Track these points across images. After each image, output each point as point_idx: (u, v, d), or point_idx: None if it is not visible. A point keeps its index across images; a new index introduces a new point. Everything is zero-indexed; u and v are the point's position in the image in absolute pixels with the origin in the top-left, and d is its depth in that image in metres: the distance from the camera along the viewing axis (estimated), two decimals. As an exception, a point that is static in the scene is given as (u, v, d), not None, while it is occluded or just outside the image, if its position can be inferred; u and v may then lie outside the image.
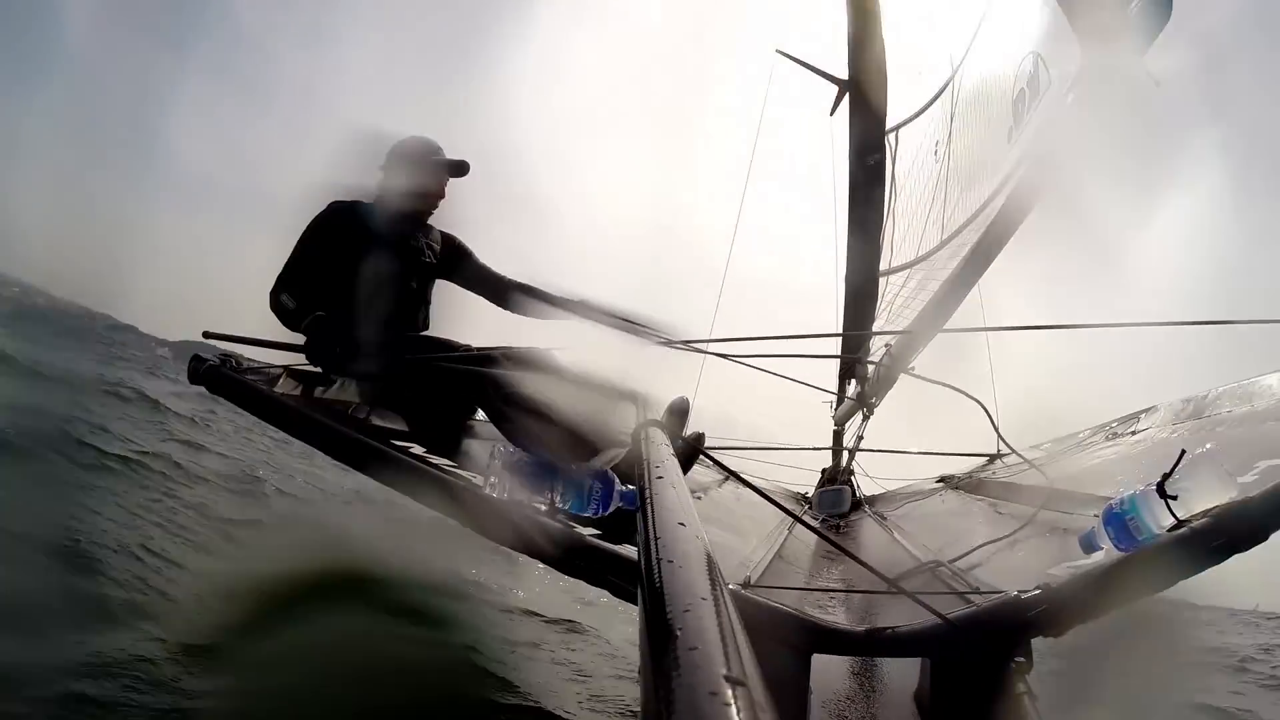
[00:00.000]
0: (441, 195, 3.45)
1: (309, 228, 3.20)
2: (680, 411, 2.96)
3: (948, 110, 5.73)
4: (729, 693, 0.51)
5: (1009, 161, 4.09)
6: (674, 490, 1.12)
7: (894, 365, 4.61)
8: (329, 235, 3.19)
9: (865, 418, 5.62)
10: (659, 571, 0.78)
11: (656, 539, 0.88)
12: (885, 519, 4.27)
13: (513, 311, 3.40)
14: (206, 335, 2.83)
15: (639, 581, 0.81)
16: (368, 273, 3.15)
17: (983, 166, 4.64)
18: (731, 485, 3.86)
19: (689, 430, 2.84)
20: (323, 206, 3.25)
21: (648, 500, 1.09)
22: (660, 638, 0.62)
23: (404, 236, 3.34)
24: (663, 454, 1.40)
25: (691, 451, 2.67)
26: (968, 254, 3.84)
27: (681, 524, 0.93)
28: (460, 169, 3.44)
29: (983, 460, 5.11)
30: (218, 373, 2.51)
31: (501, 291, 3.45)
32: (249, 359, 2.71)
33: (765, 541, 3.08)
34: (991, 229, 3.62)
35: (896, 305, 6.05)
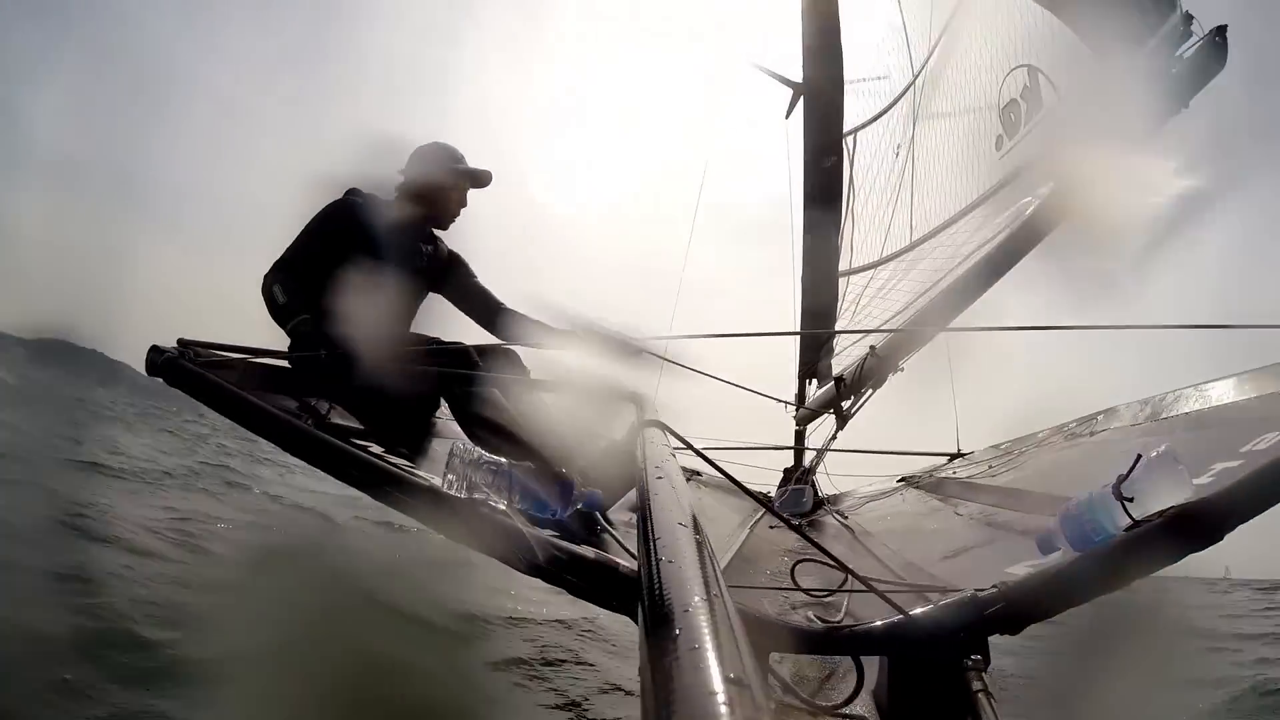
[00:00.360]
0: (463, 204, 3.42)
1: (319, 216, 3.15)
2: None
3: (908, 113, 5.80)
4: (729, 693, 0.51)
5: (1003, 169, 4.14)
6: (674, 490, 1.12)
7: (882, 365, 4.61)
8: (337, 226, 3.13)
9: (839, 421, 5.57)
10: (659, 571, 0.77)
11: (656, 539, 0.88)
12: (846, 518, 4.29)
13: (497, 336, 3.37)
14: (181, 343, 2.68)
15: (639, 581, 0.80)
16: (366, 272, 3.04)
17: (965, 170, 4.69)
18: (692, 485, 3.86)
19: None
20: (338, 196, 3.20)
21: (648, 500, 1.09)
22: (660, 638, 0.61)
23: (413, 241, 3.31)
24: (663, 454, 1.40)
25: None
26: (982, 260, 3.82)
27: (681, 524, 0.92)
28: (482, 179, 3.42)
29: (943, 460, 5.17)
30: (176, 364, 2.44)
31: (491, 313, 3.42)
32: (210, 351, 2.63)
33: (725, 541, 3.09)
34: (1014, 238, 3.61)
35: (862, 304, 6.11)
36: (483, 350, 3.11)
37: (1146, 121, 2.78)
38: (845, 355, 6.03)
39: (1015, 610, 1.42)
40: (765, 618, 1.59)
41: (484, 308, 3.44)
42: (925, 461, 5.31)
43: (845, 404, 5.29)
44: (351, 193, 3.22)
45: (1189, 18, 3.03)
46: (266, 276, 3.01)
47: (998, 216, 4.09)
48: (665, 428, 1.72)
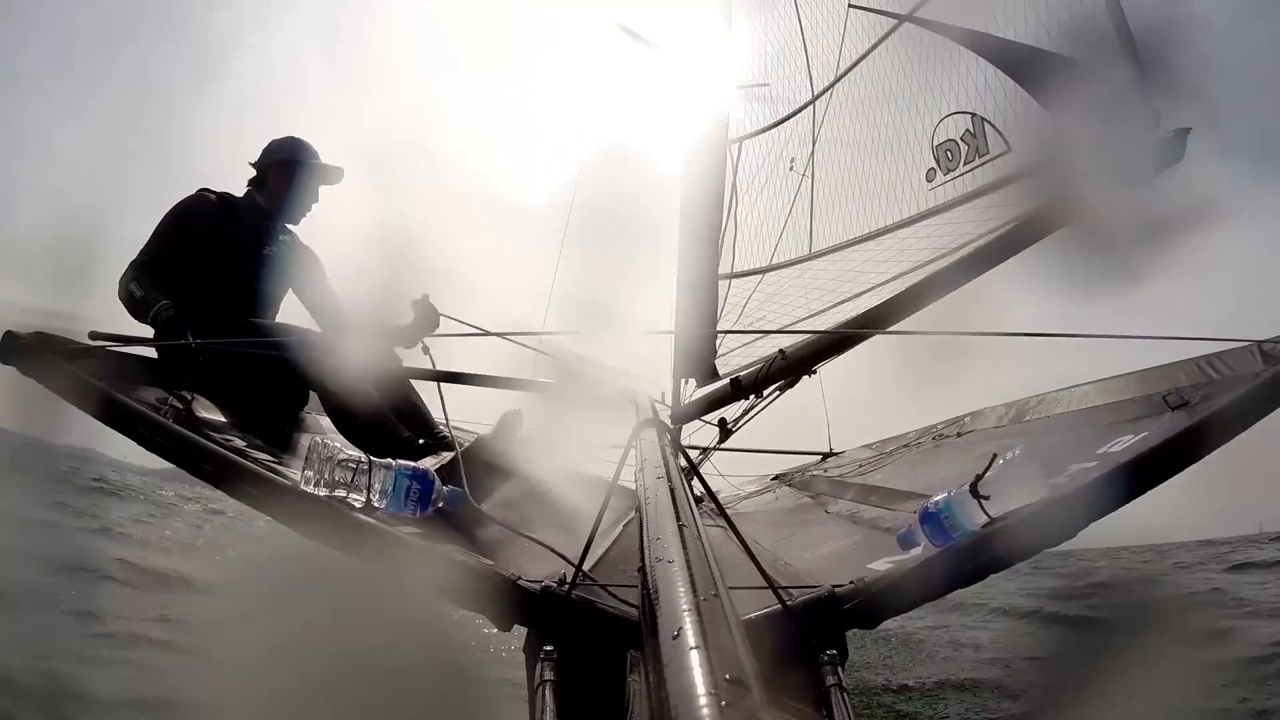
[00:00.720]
0: (314, 199, 3.39)
1: (170, 213, 3.09)
2: (514, 424, 2.93)
3: (808, 132, 5.92)
4: (729, 693, 0.50)
5: (934, 198, 4.36)
6: (674, 491, 1.09)
7: (793, 367, 4.61)
8: (188, 223, 3.09)
9: (721, 428, 5.53)
10: (659, 572, 0.77)
11: (656, 539, 0.87)
12: (718, 516, 4.30)
13: None
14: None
15: (640, 581, 0.82)
16: (220, 264, 3.07)
17: (883, 193, 4.86)
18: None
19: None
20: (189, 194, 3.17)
21: (648, 501, 1.07)
22: (660, 638, 0.61)
23: (262, 233, 3.27)
24: (662, 455, 1.36)
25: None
26: (941, 270, 3.88)
27: (682, 524, 0.91)
28: (333, 175, 3.38)
29: (817, 458, 5.26)
30: (31, 352, 2.23)
31: (325, 322, 3.37)
32: (68, 341, 2.42)
33: (601, 539, 3.03)
34: (979, 253, 3.67)
35: (750, 307, 6.18)
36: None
37: (1109, 187, 2.90)
38: (733, 357, 6.08)
39: (871, 605, 1.43)
40: (619, 615, 1.54)
41: (325, 314, 3.39)
42: (803, 460, 5.41)
43: (738, 404, 5.29)
44: (202, 190, 3.20)
45: (1157, 115, 3.21)
46: (122, 278, 2.93)
47: (939, 236, 4.24)
48: (665, 428, 1.67)
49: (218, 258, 3.07)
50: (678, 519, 0.93)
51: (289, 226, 3.42)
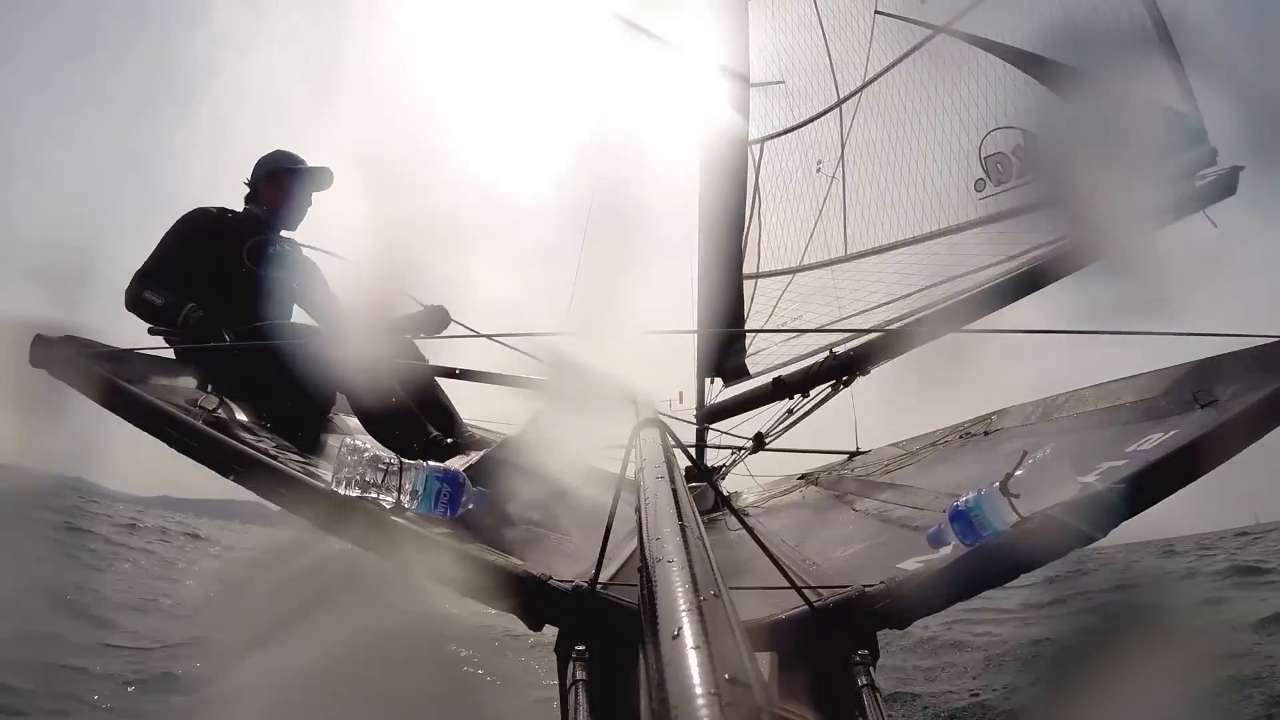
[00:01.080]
0: (308, 203, 3.50)
1: (175, 228, 3.17)
2: (543, 426, 2.95)
3: (835, 134, 5.91)
4: (730, 693, 0.50)
5: (986, 207, 4.46)
6: (674, 491, 1.10)
7: (844, 367, 4.59)
8: (191, 235, 3.17)
9: (757, 445, 5.48)
10: (658, 571, 0.76)
11: (656, 539, 0.87)
12: (746, 516, 4.30)
13: None
14: (69, 337, 2.63)
15: (640, 580, 0.81)
16: (226, 273, 3.14)
17: (929, 199, 4.92)
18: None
19: None
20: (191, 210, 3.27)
21: (648, 501, 1.07)
22: (660, 638, 0.61)
23: (264, 243, 3.33)
24: (662, 454, 1.36)
25: None
26: (1003, 280, 3.91)
27: (682, 524, 0.91)
28: (323, 178, 3.50)
29: (843, 458, 5.23)
30: (62, 356, 2.26)
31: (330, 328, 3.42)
32: (98, 344, 2.45)
33: (625, 541, 3.04)
34: (1038, 270, 3.69)
35: (781, 307, 6.16)
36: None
37: (1149, 219, 2.92)
38: (764, 356, 6.06)
39: (902, 605, 1.43)
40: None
41: (329, 320, 3.46)
42: (829, 460, 5.37)
43: (788, 403, 5.24)
44: (199, 208, 3.32)
45: (1214, 151, 3.26)
46: (130, 289, 3.00)
47: (999, 244, 4.33)
48: (665, 428, 1.68)
49: (220, 267, 3.14)
50: (679, 518, 0.93)
51: (288, 235, 3.52)
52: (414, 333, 3.16)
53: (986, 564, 1.41)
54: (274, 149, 3.51)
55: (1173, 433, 1.77)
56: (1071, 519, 1.35)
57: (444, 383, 3.26)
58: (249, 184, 3.47)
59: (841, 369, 4.52)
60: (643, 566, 0.84)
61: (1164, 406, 2.11)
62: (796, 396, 4.93)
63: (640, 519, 1.01)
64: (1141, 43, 3.47)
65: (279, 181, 3.43)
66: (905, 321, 4.60)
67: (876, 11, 5.38)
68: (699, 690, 0.50)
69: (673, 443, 1.65)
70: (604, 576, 1.61)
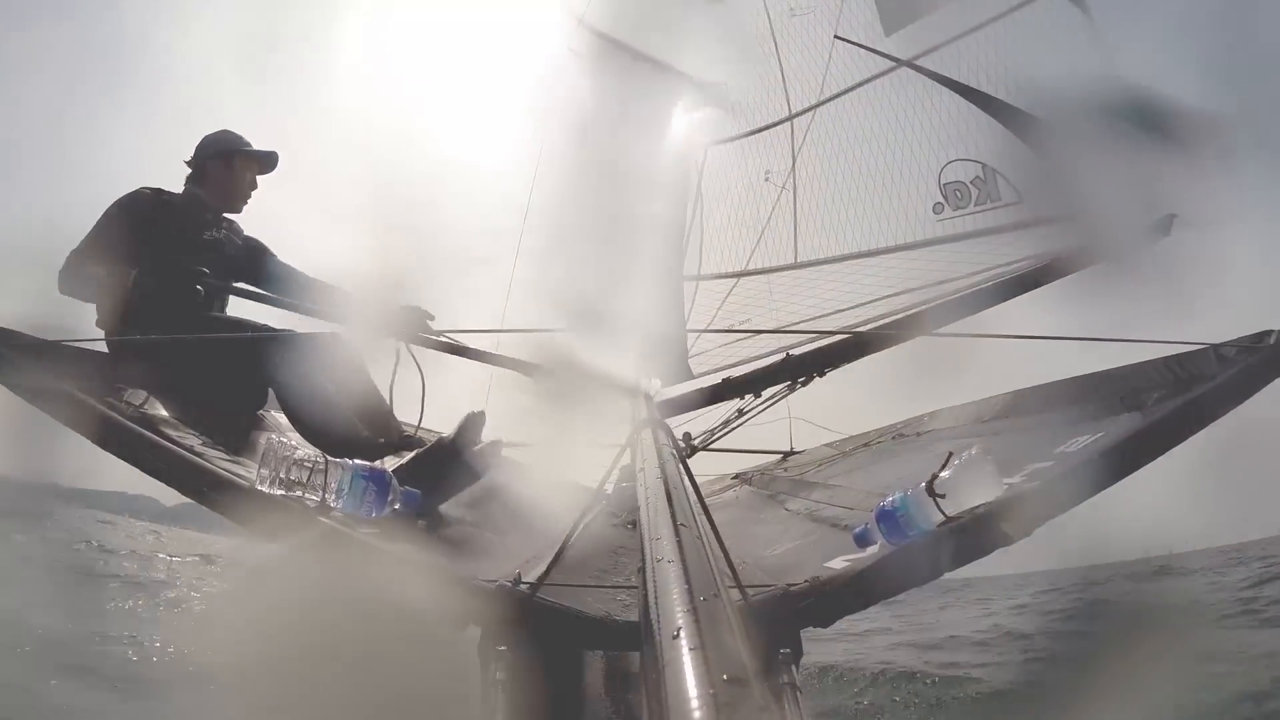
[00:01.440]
0: (253, 186, 3.42)
1: (114, 207, 3.04)
2: (476, 426, 2.92)
3: (786, 146, 5.99)
4: (729, 692, 0.50)
5: (944, 229, 4.72)
6: (673, 491, 1.08)
7: (799, 369, 4.62)
8: (126, 218, 3.03)
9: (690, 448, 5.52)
10: (658, 572, 0.77)
11: (656, 539, 0.87)
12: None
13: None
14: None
15: (639, 581, 0.82)
16: (167, 258, 3.01)
17: (885, 217, 5.15)
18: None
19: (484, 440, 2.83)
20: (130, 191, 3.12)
21: (647, 501, 1.08)
22: (659, 638, 0.61)
23: (204, 227, 3.25)
24: (661, 455, 1.34)
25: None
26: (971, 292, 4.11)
27: (682, 524, 0.91)
28: (268, 161, 3.43)
29: (777, 457, 5.27)
30: None
31: (302, 290, 3.39)
32: (19, 335, 2.33)
33: (556, 538, 3.01)
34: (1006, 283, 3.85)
35: (726, 310, 6.21)
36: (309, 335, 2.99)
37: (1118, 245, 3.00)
38: (707, 356, 6.09)
39: (826, 603, 1.42)
40: (576, 613, 1.52)
41: (294, 287, 3.38)
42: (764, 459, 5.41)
43: (737, 403, 5.28)
44: (142, 188, 3.17)
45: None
46: (65, 270, 2.88)
47: (955, 262, 4.59)
48: (665, 428, 1.64)
49: (156, 249, 3.01)
50: (677, 520, 0.92)
51: (229, 217, 3.42)
52: (386, 332, 3.06)
53: (911, 562, 1.42)
54: (219, 129, 3.41)
55: (1099, 435, 1.80)
56: (995, 519, 1.36)
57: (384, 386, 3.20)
58: (191, 164, 3.35)
59: (798, 369, 4.55)
60: (642, 567, 0.84)
61: (1093, 410, 2.15)
62: (748, 397, 4.96)
63: (640, 519, 1.00)
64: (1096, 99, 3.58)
65: (229, 162, 3.34)
66: (872, 326, 4.77)
67: (836, 36, 5.54)
68: (698, 691, 0.50)
69: (671, 443, 1.64)
70: (531, 576, 1.58)
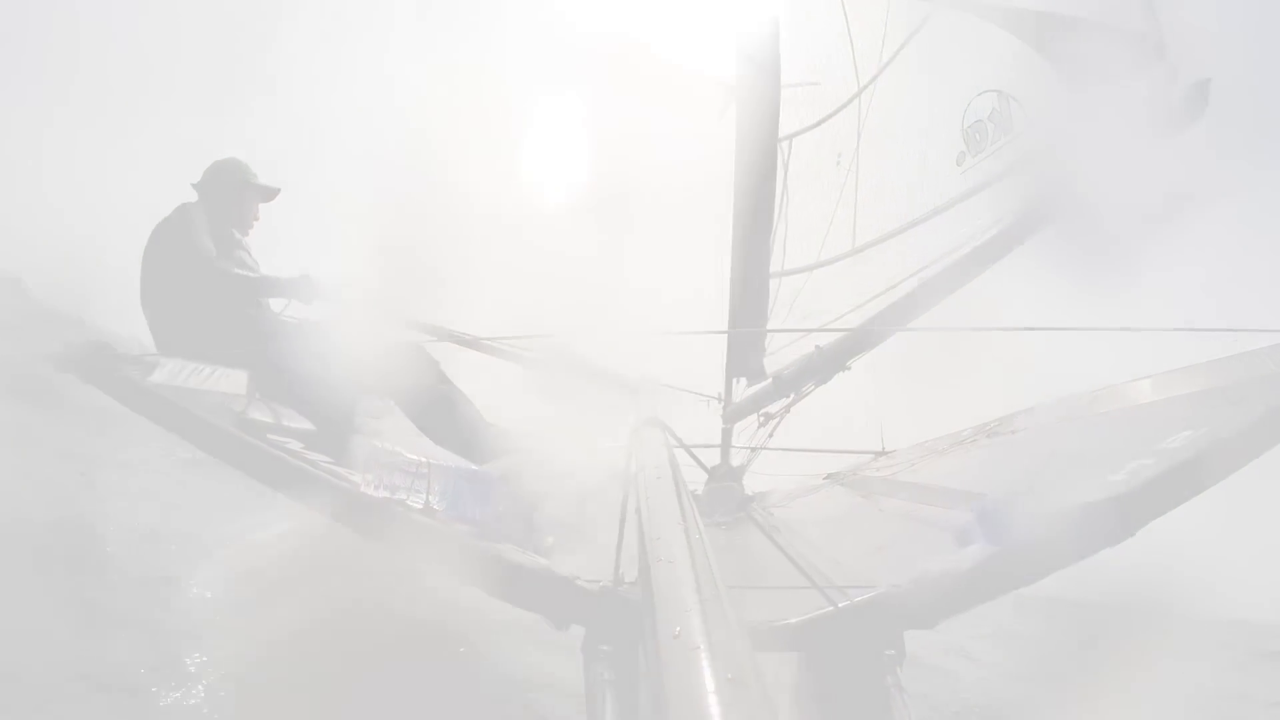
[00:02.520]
0: (255, 217, 3.53)
1: (195, 213, 3.21)
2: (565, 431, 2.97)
3: (853, 125, 5.86)
4: (729, 693, 0.50)
5: (964, 183, 4.32)
6: (673, 491, 1.10)
7: (828, 363, 4.59)
8: (205, 229, 3.20)
9: (762, 419, 5.53)
10: (659, 572, 0.77)
11: (656, 539, 0.88)
12: (772, 515, 4.28)
13: None
14: (95, 343, 2.74)
15: (640, 581, 0.79)
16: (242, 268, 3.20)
17: (918, 183, 4.81)
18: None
19: None
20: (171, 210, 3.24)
21: (645, 501, 1.07)
22: (660, 638, 0.61)
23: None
24: (661, 454, 1.37)
25: None
26: (953, 264, 3.90)
27: (682, 525, 0.92)
28: (269, 194, 3.52)
29: (868, 457, 5.20)
30: (91, 361, 2.29)
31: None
32: (124, 349, 2.48)
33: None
34: (990, 244, 3.70)
35: (798, 305, 6.13)
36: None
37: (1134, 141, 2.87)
38: (780, 354, 6.04)
39: (928, 604, 1.42)
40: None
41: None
42: (855, 459, 5.34)
43: (779, 402, 5.26)
44: (186, 204, 3.29)
45: (1174, 70, 3.16)
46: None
47: (965, 225, 4.21)
48: (665, 427, 1.68)
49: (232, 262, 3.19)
50: (682, 519, 0.92)
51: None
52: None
53: (1013, 563, 1.41)
54: (228, 158, 3.52)
55: (1203, 430, 1.75)
56: (1098, 518, 1.34)
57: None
58: (199, 188, 3.46)
59: (824, 366, 4.52)
60: (643, 566, 0.83)
61: (1194, 404, 2.08)
62: (793, 394, 4.94)
63: (640, 519, 1.01)
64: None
65: (243, 195, 3.45)
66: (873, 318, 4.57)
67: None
68: (699, 691, 0.50)
69: (675, 442, 1.65)
70: (633, 576, 1.61)
